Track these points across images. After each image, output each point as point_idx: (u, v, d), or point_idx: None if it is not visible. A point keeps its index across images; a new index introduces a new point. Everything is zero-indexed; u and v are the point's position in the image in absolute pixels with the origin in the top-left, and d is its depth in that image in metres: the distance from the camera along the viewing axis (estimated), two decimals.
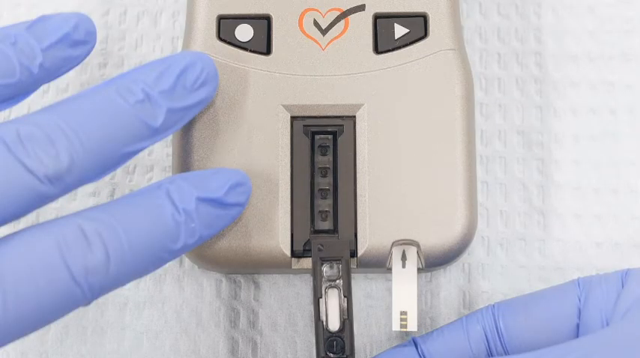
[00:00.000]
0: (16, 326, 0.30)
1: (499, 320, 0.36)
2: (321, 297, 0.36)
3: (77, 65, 0.35)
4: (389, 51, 0.39)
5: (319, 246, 0.36)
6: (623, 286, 0.36)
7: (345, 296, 0.36)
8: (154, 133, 0.34)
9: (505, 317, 0.36)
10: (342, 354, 0.36)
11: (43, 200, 0.31)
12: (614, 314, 0.35)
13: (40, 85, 0.34)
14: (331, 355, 0.36)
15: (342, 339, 0.36)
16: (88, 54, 0.35)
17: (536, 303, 0.36)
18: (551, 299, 0.36)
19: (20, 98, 0.34)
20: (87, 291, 0.31)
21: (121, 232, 0.32)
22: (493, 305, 0.37)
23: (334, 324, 0.36)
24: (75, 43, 0.34)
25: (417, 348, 0.37)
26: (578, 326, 0.36)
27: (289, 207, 0.38)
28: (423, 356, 0.37)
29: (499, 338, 0.36)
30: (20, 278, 0.30)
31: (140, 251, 0.32)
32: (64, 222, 0.31)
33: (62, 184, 0.31)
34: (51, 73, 0.34)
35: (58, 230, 0.31)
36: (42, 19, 0.34)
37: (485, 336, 0.36)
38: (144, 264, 0.32)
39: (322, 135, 0.38)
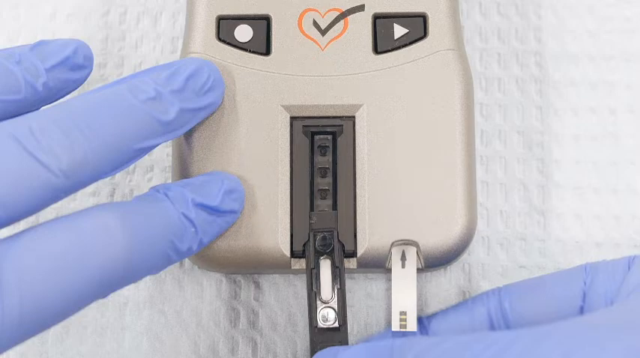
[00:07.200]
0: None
1: (505, 302, 0.37)
2: (314, 268, 0.36)
3: (75, 89, 0.35)
4: (388, 51, 0.39)
5: (313, 219, 0.37)
6: (629, 270, 0.36)
7: (337, 267, 0.36)
8: (166, 130, 0.34)
9: (511, 299, 0.37)
10: (334, 323, 0.36)
11: (57, 194, 0.31)
12: (619, 296, 0.35)
13: (42, 105, 0.34)
14: (324, 325, 0.36)
15: (334, 309, 0.36)
16: (85, 78, 0.35)
17: (542, 286, 0.37)
18: (557, 282, 0.37)
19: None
20: None
21: (141, 225, 0.32)
22: (500, 288, 0.38)
23: (327, 293, 0.36)
24: (75, 66, 0.35)
25: (421, 323, 0.38)
26: (582, 308, 0.36)
27: (289, 207, 0.38)
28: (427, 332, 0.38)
29: (503, 318, 0.37)
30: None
31: (152, 245, 0.33)
32: (84, 214, 0.32)
33: (77, 178, 0.32)
34: (53, 93, 0.34)
35: (79, 221, 0.31)
36: (43, 43, 0.35)
37: (490, 318, 0.37)
38: (154, 259, 0.33)
39: (322, 136, 0.38)
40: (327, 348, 0.35)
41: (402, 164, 0.38)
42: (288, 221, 0.37)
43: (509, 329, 0.35)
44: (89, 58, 0.35)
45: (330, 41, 0.39)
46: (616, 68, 0.43)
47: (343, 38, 0.39)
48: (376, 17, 0.39)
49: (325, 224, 0.37)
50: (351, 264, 0.37)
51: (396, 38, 0.39)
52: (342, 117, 0.38)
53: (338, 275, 0.36)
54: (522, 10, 0.43)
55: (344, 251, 0.37)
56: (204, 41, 0.39)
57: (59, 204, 0.41)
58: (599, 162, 0.42)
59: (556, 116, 0.42)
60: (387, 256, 0.37)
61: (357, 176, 0.38)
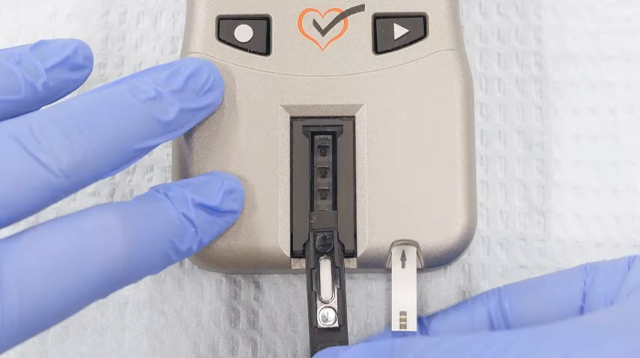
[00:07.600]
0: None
1: (505, 302, 0.37)
2: (314, 268, 0.36)
3: (75, 89, 0.35)
4: (388, 51, 0.39)
5: (313, 219, 0.37)
6: (629, 270, 0.36)
7: (337, 267, 0.36)
8: (166, 130, 0.34)
9: (511, 299, 0.37)
10: (335, 323, 0.36)
11: (57, 194, 0.31)
12: (619, 296, 0.35)
13: (42, 105, 0.34)
14: (324, 325, 0.36)
15: (334, 309, 0.36)
16: (86, 78, 0.36)
17: (542, 286, 0.37)
18: (557, 282, 0.37)
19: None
20: None
21: (141, 225, 0.32)
22: (500, 288, 0.38)
23: (327, 293, 0.36)
24: (75, 66, 0.35)
25: (421, 323, 0.38)
26: (582, 308, 0.36)
27: (289, 207, 0.38)
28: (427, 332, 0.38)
29: (503, 318, 0.37)
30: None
31: (152, 245, 0.33)
32: (84, 214, 0.32)
33: (77, 178, 0.32)
34: (53, 93, 0.34)
35: (79, 221, 0.31)
36: (43, 43, 0.35)
37: (490, 318, 0.37)
38: (154, 259, 0.33)
39: (322, 136, 0.38)
40: (327, 348, 0.35)
41: (402, 164, 0.38)
42: (288, 221, 0.37)
43: (509, 329, 0.35)
44: (89, 58, 0.35)
45: (330, 41, 0.39)
46: (616, 68, 0.43)
47: (343, 38, 0.39)
48: (376, 17, 0.39)
49: (325, 224, 0.37)
50: (351, 264, 0.37)
51: (396, 38, 0.39)
52: (342, 117, 0.38)
53: (338, 275, 0.36)
54: (522, 10, 0.43)
55: (344, 251, 0.37)
56: (204, 41, 0.39)
57: (59, 204, 0.41)
58: (599, 162, 0.42)
59: (556, 116, 0.42)
60: (387, 256, 0.37)
61: (357, 176, 0.38)
